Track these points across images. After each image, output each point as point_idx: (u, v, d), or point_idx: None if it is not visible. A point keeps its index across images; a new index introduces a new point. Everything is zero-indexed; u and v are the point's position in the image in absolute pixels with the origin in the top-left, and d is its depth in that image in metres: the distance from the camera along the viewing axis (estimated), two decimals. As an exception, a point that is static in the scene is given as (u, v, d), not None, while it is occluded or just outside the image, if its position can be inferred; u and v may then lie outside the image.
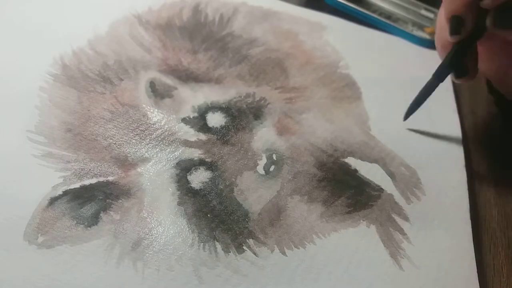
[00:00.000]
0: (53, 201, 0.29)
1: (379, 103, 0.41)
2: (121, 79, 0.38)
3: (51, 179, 0.30)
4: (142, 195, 0.31)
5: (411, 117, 0.39)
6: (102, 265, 0.27)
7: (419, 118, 0.39)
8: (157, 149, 0.33)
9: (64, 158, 0.31)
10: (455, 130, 0.40)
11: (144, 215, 0.30)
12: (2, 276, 0.26)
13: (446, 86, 0.45)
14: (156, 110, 0.36)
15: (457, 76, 0.35)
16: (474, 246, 0.32)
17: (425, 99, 0.38)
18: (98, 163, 0.32)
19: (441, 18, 0.34)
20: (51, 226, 0.28)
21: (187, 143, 0.34)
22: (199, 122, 0.36)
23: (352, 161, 0.35)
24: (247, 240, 0.29)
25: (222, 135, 0.35)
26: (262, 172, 0.33)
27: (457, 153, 0.38)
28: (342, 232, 0.31)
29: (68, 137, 0.33)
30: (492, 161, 0.39)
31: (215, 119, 0.36)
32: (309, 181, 0.33)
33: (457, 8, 0.31)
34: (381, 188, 0.34)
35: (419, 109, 0.38)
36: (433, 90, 0.37)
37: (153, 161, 0.32)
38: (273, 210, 0.31)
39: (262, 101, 0.38)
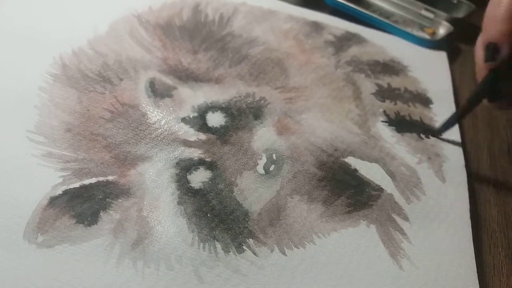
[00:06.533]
0: (52, 200, 0.29)
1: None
2: (121, 79, 0.38)
3: (51, 178, 0.30)
4: (142, 195, 0.30)
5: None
6: (102, 264, 0.27)
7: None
8: (157, 148, 0.33)
9: (64, 158, 0.31)
10: (455, 130, 0.40)
11: (144, 214, 0.30)
12: (2, 275, 0.26)
13: (446, 88, 0.45)
14: (156, 109, 0.36)
15: (491, 100, 0.35)
16: (474, 246, 0.32)
17: (457, 122, 0.39)
18: (98, 162, 0.32)
19: (479, 44, 0.33)
20: (50, 225, 0.28)
21: (187, 143, 0.34)
22: (199, 121, 0.36)
23: (352, 161, 0.35)
24: (247, 240, 0.29)
25: (222, 135, 0.35)
26: (262, 171, 0.33)
27: (457, 153, 0.38)
28: (342, 231, 0.31)
29: (68, 137, 0.33)
30: (492, 161, 0.39)
31: (215, 119, 0.36)
32: (309, 180, 0.33)
33: (494, 36, 0.31)
34: (381, 188, 0.34)
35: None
36: (468, 113, 0.38)
37: (153, 160, 0.32)
38: (273, 210, 0.31)
39: (262, 101, 0.38)
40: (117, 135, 0.33)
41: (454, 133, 0.40)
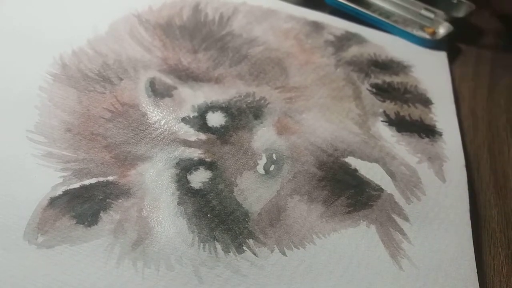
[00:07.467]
0: (53, 201, 0.29)
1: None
2: (121, 79, 0.37)
3: (51, 179, 0.30)
4: (142, 195, 0.30)
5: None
6: (102, 265, 0.27)
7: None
8: (157, 148, 0.33)
9: (64, 158, 0.31)
10: (455, 130, 0.40)
11: (144, 215, 0.30)
12: (2, 276, 0.26)
13: (446, 88, 0.45)
14: (156, 109, 0.36)
15: None
16: (474, 246, 0.32)
17: None
18: (98, 163, 0.32)
19: None
20: (51, 226, 0.28)
21: (187, 143, 0.34)
22: (199, 121, 0.36)
23: (352, 161, 0.35)
24: (247, 240, 0.29)
25: (222, 135, 0.35)
26: (262, 171, 0.33)
27: (457, 153, 0.38)
28: (342, 232, 0.31)
29: (68, 137, 0.33)
30: (492, 161, 0.39)
31: (215, 119, 0.36)
32: (309, 180, 0.33)
33: None
34: (381, 188, 0.34)
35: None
36: None
37: (153, 160, 0.32)
38: (273, 210, 0.31)
39: (262, 101, 0.38)
40: (117, 135, 0.33)
41: (454, 133, 0.40)
